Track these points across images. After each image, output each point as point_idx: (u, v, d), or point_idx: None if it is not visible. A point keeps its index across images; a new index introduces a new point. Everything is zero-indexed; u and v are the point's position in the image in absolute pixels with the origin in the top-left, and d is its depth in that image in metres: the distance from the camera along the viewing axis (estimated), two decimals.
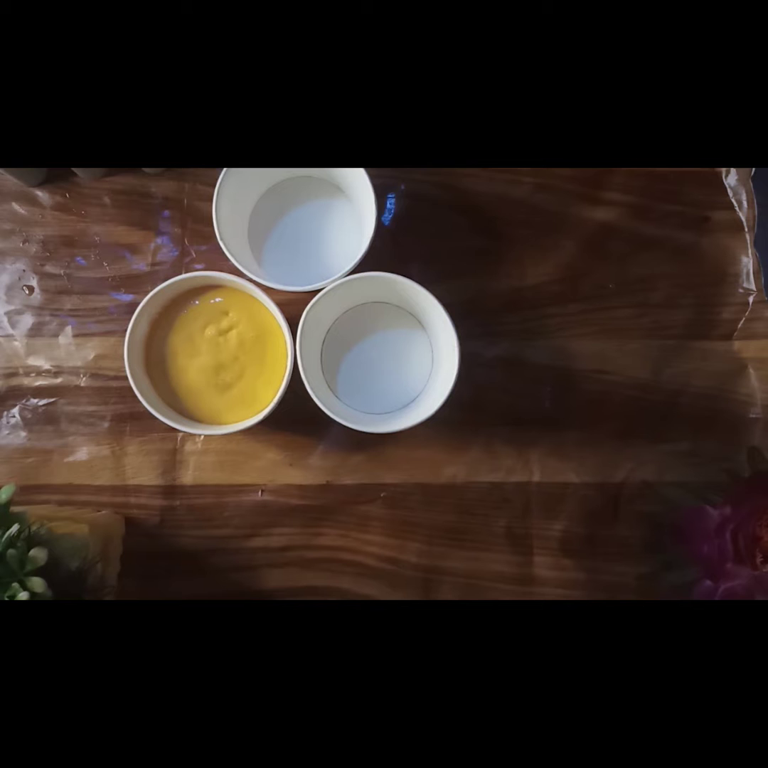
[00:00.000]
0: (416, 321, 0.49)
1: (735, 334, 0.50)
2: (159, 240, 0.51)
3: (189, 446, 0.49)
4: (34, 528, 0.38)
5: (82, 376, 0.50)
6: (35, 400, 0.50)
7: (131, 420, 0.49)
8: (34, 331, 0.50)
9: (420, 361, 0.49)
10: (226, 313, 0.46)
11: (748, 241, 0.51)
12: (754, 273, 0.51)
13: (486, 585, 0.48)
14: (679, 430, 0.49)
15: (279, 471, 0.49)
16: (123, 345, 0.43)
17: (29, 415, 0.50)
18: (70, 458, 0.49)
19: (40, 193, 0.51)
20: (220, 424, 0.46)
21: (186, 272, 0.47)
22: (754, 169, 0.51)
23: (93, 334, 0.50)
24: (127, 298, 0.50)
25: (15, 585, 0.35)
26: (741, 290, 0.51)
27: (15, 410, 0.50)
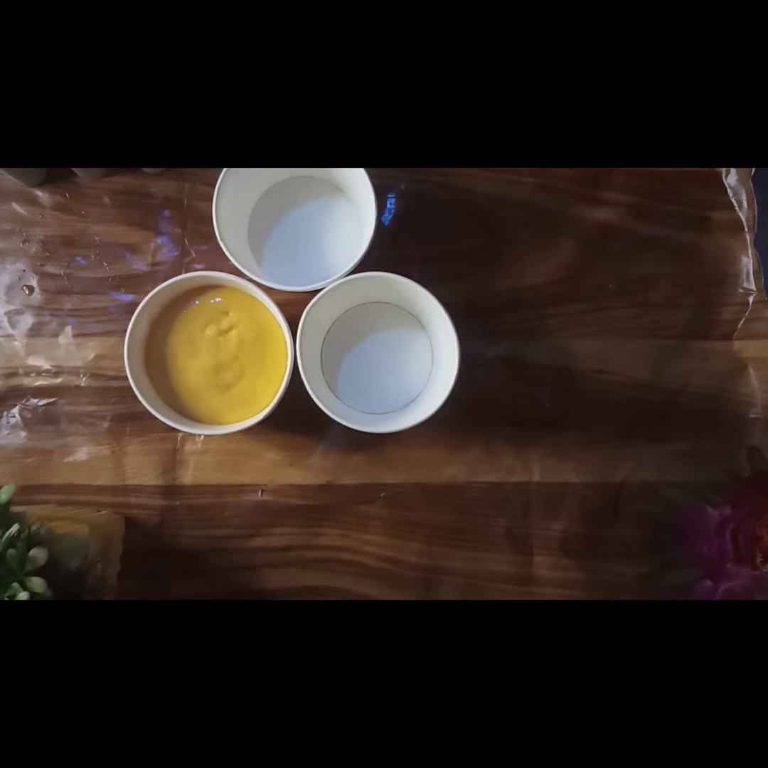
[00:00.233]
0: (416, 321, 0.49)
1: (735, 334, 0.50)
2: (159, 240, 0.51)
3: (189, 446, 0.49)
4: (34, 528, 0.38)
5: (82, 376, 0.50)
6: (35, 400, 0.50)
7: (131, 420, 0.49)
8: (34, 331, 0.50)
9: (420, 361, 0.49)
10: (226, 313, 0.46)
11: (748, 241, 0.51)
12: (754, 273, 0.51)
13: (486, 585, 0.48)
14: (679, 430, 0.49)
15: (279, 471, 0.49)
16: (123, 345, 0.43)
17: (29, 415, 0.50)
18: (70, 458, 0.49)
19: (40, 193, 0.51)
20: (220, 424, 0.46)
21: (186, 272, 0.47)
22: (754, 169, 0.51)
23: (93, 334, 0.50)
24: (127, 298, 0.50)
25: (15, 585, 0.35)
26: (741, 290, 0.51)
27: (15, 410, 0.50)
